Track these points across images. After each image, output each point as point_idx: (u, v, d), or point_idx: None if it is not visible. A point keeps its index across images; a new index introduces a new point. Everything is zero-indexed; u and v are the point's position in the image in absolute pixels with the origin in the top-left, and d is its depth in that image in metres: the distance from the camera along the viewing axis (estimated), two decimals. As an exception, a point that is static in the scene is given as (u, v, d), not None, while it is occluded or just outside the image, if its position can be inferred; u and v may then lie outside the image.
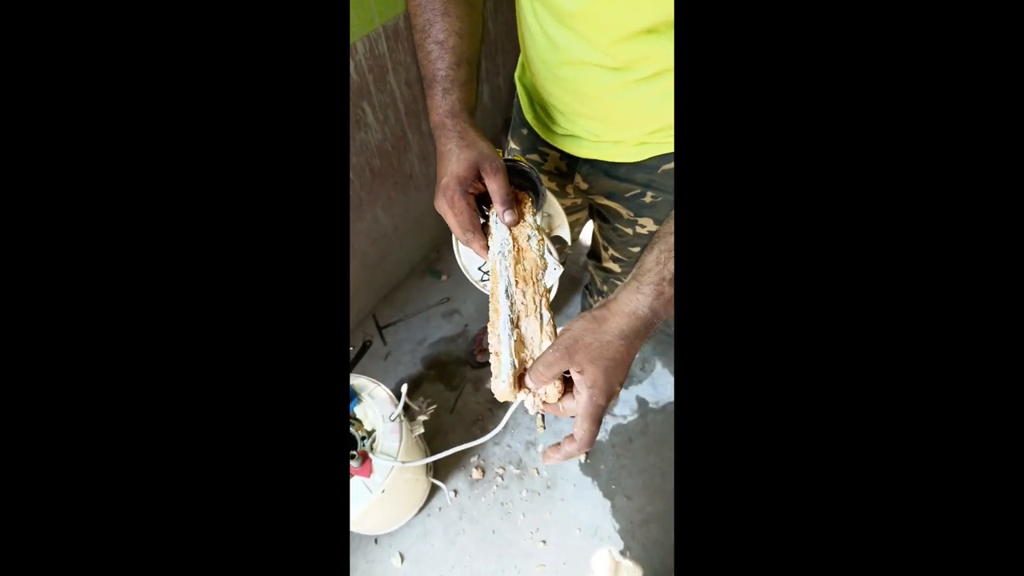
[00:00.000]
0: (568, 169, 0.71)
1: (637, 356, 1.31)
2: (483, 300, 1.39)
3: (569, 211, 0.82)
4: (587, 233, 1.46)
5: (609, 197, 0.69)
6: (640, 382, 1.30)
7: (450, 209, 0.47)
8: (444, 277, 1.50)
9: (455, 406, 1.28)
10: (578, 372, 0.38)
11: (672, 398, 1.27)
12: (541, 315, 0.43)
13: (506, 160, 0.52)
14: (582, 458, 1.19)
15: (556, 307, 0.88)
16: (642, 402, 1.27)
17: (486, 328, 0.45)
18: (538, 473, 1.18)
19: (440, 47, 0.48)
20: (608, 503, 1.14)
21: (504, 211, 0.47)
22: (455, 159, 0.46)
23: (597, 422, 0.38)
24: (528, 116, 0.70)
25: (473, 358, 1.34)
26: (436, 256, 1.56)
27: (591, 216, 0.85)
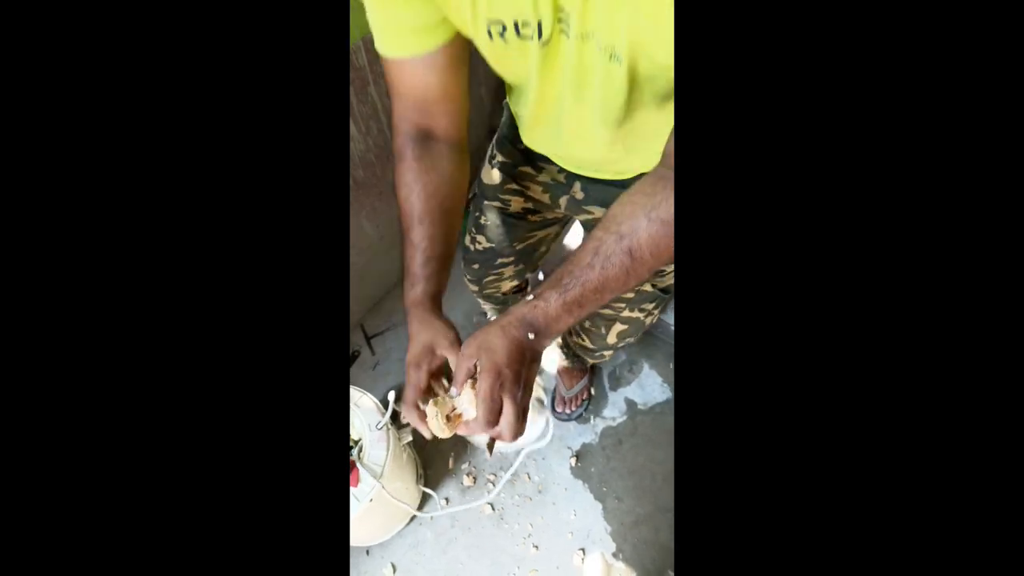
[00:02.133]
0: (566, 180, 0.74)
1: (625, 358, 1.32)
2: (471, 306, 1.40)
3: (546, 224, 0.86)
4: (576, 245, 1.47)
5: (603, 205, 0.72)
6: (628, 384, 1.31)
7: (407, 382, 0.55)
8: (432, 285, 1.51)
9: (445, 414, 1.28)
10: (475, 361, 0.48)
11: (660, 399, 1.28)
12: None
13: None
14: (572, 461, 1.19)
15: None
16: (631, 403, 1.28)
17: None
18: (529, 478, 1.18)
19: (412, 247, 0.58)
20: (599, 505, 1.14)
21: (454, 386, 0.53)
22: (415, 341, 0.56)
23: (488, 400, 0.45)
24: (524, 138, 0.72)
25: None
26: (423, 265, 1.56)
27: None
